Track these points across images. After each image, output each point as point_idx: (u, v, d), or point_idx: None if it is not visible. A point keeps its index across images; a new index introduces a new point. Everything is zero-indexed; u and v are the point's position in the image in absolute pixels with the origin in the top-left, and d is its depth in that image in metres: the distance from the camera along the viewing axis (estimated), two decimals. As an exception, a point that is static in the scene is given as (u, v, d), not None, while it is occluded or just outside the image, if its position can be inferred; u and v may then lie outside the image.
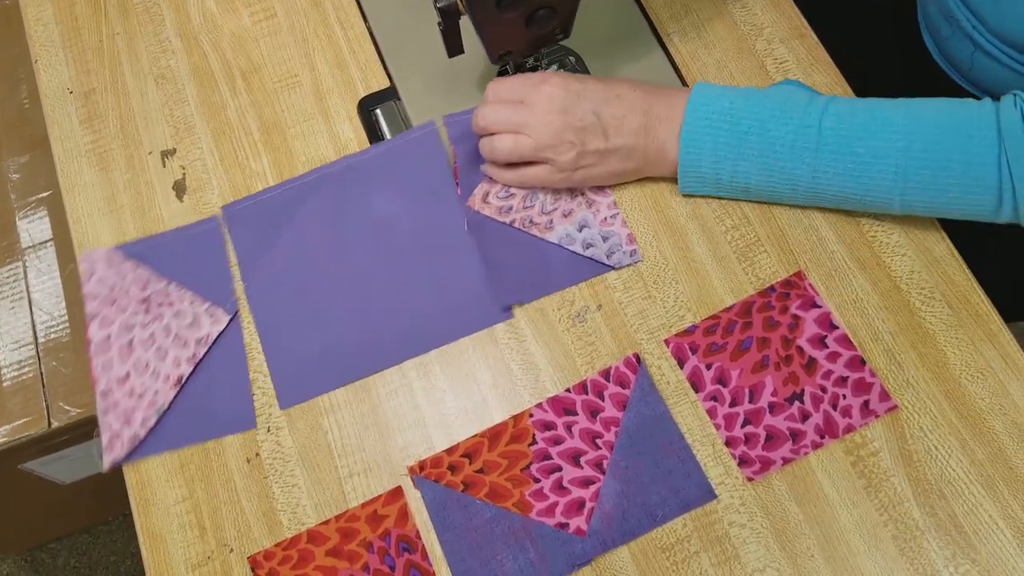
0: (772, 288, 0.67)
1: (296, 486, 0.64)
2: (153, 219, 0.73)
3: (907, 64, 0.85)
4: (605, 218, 0.69)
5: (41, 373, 0.99)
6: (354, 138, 0.74)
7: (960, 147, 0.60)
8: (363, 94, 0.76)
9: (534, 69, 0.74)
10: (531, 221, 0.69)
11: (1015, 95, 0.60)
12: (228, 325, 0.69)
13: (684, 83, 0.75)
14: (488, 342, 0.67)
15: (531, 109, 0.65)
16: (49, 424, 0.97)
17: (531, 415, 0.64)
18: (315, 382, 0.67)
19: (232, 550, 0.62)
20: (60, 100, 0.77)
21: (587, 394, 0.65)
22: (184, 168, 0.74)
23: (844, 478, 0.62)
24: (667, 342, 0.66)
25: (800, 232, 0.69)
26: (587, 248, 0.69)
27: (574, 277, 0.68)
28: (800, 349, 0.65)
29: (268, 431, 0.65)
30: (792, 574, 0.60)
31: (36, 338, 1.00)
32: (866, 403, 0.63)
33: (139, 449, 0.66)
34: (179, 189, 0.74)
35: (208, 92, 0.77)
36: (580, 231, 0.69)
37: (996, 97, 0.62)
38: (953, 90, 0.79)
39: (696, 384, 0.65)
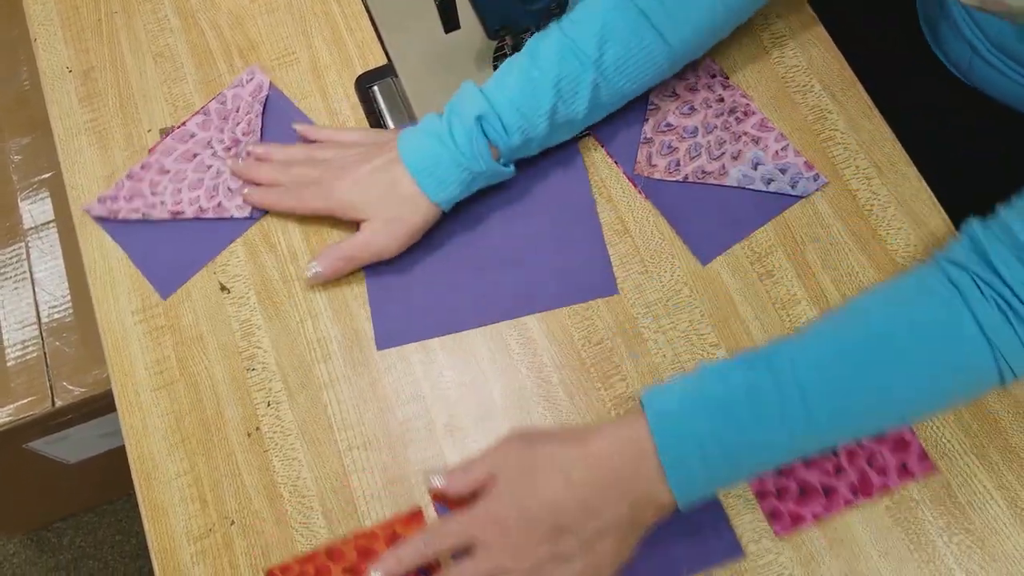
0: None
1: (296, 459, 0.64)
2: (153, 197, 0.73)
3: (905, 52, 0.84)
4: (776, 151, 0.69)
5: (44, 353, 1.00)
6: (351, 115, 0.75)
7: (961, 381, 0.54)
8: (360, 71, 0.76)
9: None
10: (703, 171, 0.69)
11: (975, 278, 0.53)
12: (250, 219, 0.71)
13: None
14: (486, 317, 0.68)
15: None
16: (53, 404, 0.98)
17: None
18: (415, 328, 0.67)
19: (233, 522, 0.63)
20: (59, 79, 0.78)
21: None
22: (183, 146, 0.75)
23: (839, 450, 0.62)
24: None
25: (797, 207, 0.69)
26: (769, 184, 0.68)
27: (764, 216, 0.68)
28: None
29: (268, 405, 0.66)
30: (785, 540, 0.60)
31: (39, 318, 1.01)
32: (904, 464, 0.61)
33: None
34: (178, 167, 0.74)
35: (206, 70, 0.77)
36: (755, 169, 0.68)
37: (995, 101, 0.59)
38: (952, 82, 0.78)
39: None
